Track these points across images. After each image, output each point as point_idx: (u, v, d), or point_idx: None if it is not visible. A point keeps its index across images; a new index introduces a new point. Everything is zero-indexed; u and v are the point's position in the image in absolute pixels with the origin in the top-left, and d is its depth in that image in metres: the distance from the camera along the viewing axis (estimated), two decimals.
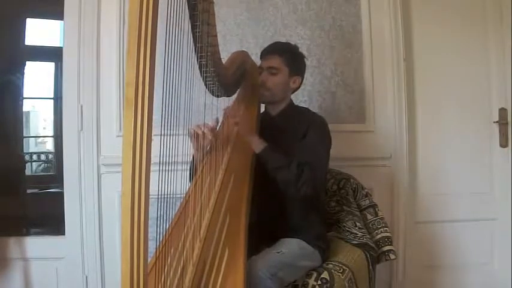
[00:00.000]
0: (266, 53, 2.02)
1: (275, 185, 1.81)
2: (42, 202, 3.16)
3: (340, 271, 1.77)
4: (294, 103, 2.07)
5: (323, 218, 2.02)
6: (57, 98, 3.22)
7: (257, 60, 2.09)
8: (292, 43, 2.12)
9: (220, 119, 1.89)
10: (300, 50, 2.07)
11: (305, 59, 2.08)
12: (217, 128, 1.85)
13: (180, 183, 1.42)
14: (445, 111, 2.70)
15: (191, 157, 1.84)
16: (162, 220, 1.29)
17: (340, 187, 2.16)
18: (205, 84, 1.65)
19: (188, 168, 1.85)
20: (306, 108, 2.18)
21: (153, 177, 1.05)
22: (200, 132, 1.71)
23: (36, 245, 2.62)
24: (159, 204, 1.23)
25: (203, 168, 1.71)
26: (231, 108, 1.93)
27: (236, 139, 1.90)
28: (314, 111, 2.13)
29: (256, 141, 1.81)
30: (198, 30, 1.48)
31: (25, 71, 3.27)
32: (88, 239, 2.56)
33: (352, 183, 2.16)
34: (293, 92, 2.07)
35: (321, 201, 2.01)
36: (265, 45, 2.12)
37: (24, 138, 3.58)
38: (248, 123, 1.89)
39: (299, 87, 2.06)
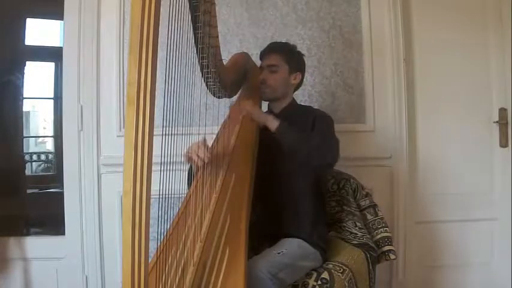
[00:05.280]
0: (265, 52, 2.05)
1: (280, 184, 1.83)
2: (42, 202, 3.15)
3: (340, 271, 1.77)
4: (296, 101, 2.09)
5: (326, 218, 2.03)
6: (57, 98, 3.21)
7: (257, 61, 2.10)
8: (291, 43, 2.14)
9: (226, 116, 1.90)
10: (298, 48, 2.10)
11: (304, 57, 2.10)
12: (215, 137, 1.85)
13: (182, 183, 1.42)
14: (445, 111, 2.70)
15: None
16: (163, 220, 1.29)
17: (340, 187, 2.16)
18: (207, 85, 1.66)
19: (186, 173, 1.84)
20: (308, 105, 2.23)
21: (154, 177, 1.05)
22: (196, 159, 1.67)
23: (36, 245, 2.63)
24: (160, 204, 1.23)
25: (204, 169, 1.71)
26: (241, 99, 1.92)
27: (237, 140, 1.90)
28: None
29: (270, 118, 1.82)
30: (199, 31, 1.48)
31: (25, 71, 3.26)
32: (88, 239, 2.57)
33: (352, 183, 2.16)
34: (295, 90, 2.09)
35: (325, 200, 2.02)
36: (265, 45, 2.13)
37: (24, 138, 3.57)
38: (256, 104, 1.90)
39: (300, 83, 2.08)
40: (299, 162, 1.81)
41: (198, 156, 1.66)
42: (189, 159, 1.69)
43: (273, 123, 1.80)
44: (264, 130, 1.91)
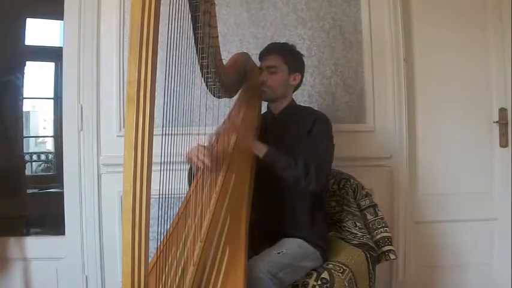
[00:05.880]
0: (264, 53, 2.06)
1: (278, 184, 1.83)
2: (42, 202, 3.15)
3: (340, 271, 1.77)
4: (295, 102, 2.09)
5: (326, 218, 2.03)
6: (57, 98, 3.21)
7: (257, 61, 2.10)
8: (289, 43, 2.14)
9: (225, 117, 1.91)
10: (296, 48, 2.11)
11: (303, 57, 2.10)
12: (215, 139, 1.86)
13: (181, 183, 1.42)
14: (445, 111, 2.70)
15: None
16: (163, 220, 1.29)
17: (340, 187, 2.16)
18: (207, 85, 1.66)
19: (187, 174, 1.84)
20: (308, 106, 2.24)
21: (154, 176, 1.05)
22: (196, 160, 1.69)
23: (36, 245, 2.63)
24: (160, 204, 1.23)
25: (204, 169, 1.71)
26: (232, 115, 1.94)
27: (237, 140, 1.90)
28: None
29: (258, 146, 1.82)
30: (199, 31, 1.48)
31: (25, 71, 3.26)
32: (88, 239, 2.56)
33: (352, 183, 2.16)
34: (295, 90, 2.09)
35: (324, 200, 2.03)
36: (265, 45, 2.14)
37: (24, 138, 3.57)
38: (248, 130, 1.90)
39: (300, 84, 2.08)
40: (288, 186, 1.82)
41: (198, 158, 1.67)
42: (189, 159, 1.70)
43: (261, 151, 1.80)
44: (263, 131, 1.92)
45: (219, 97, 1.80)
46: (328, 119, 1.99)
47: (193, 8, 1.46)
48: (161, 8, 0.99)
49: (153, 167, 1.00)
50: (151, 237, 1.03)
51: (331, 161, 1.90)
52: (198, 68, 1.56)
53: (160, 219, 1.26)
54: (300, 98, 2.48)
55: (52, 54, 3.31)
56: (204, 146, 1.70)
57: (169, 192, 1.26)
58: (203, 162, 1.67)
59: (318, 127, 1.92)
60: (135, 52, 0.95)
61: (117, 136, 2.53)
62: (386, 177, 2.62)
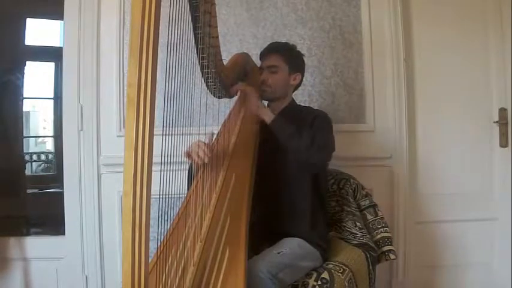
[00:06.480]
0: (265, 53, 2.06)
1: (278, 183, 1.84)
2: (42, 202, 3.16)
3: (340, 271, 1.77)
4: (295, 102, 2.10)
5: (326, 217, 2.03)
6: (57, 98, 3.22)
7: (257, 61, 2.11)
8: (290, 43, 2.15)
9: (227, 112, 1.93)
10: (297, 48, 2.12)
11: (303, 57, 2.11)
12: (216, 137, 1.86)
13: (182, 183, 1.42)
14: (445, 111, 2.70)
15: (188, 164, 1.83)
16: (163, 220, 1.29)
17: (340, 187, 2.16)
18: (207, 85, 1.66)
19: (186, 174, 1.84)
20: (308, 106, 2.26)
21: (155, 177, 1.05)
22: (196, 158, 1.69)
23: (36, 245, 2.62)
24: (160, 204, 1.23)
25: (204, 169, 1.71)
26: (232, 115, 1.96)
27: (237, 140, 1.90)
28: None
29: (265, 112, 1.85)
30: (199, 31, 1.49)
31: (25, 71, 3.27)
32: (88, 239, 2.56)
33: (352, 183, 2.16)
34: (294, 90, 2.10)
35: (325, 200, 2.03)
36: (265, 45, 2.14)
37: (24, 138, 3.58)
38: (256, 92, 1.93)
39: (300, 84, 2.09)
40: (290, 158, 1.83)
41: (198, 155, 1.67)
42: (189, 156, 1.69)
43: (269, 117, 1.83)
44: (263, 131, 1.92)
45: (219, 97, 1.81)
46: (328, 116, 1.99)
47: (194, 9, 1.46)
48: (161, 9, 0.99)
49: (153, 167, 1.00)
50: (151, 238, 1.03)
51: (334, 147, 1.89)
52: (198, 68, 1.56)
53: (160, 219, 1.26)
54: (300, 98, 2.48)
55: (52, 54, 3.32)
56: (205, 143, 1.70)
57: (169, 193, 1.27)
58: (203, 161, 1.67)
59: (318, 123, 1.92)
60: (135, 55, 0.95)
61: (117, 136, 2.53)
62: (386, 177, 2.62)
